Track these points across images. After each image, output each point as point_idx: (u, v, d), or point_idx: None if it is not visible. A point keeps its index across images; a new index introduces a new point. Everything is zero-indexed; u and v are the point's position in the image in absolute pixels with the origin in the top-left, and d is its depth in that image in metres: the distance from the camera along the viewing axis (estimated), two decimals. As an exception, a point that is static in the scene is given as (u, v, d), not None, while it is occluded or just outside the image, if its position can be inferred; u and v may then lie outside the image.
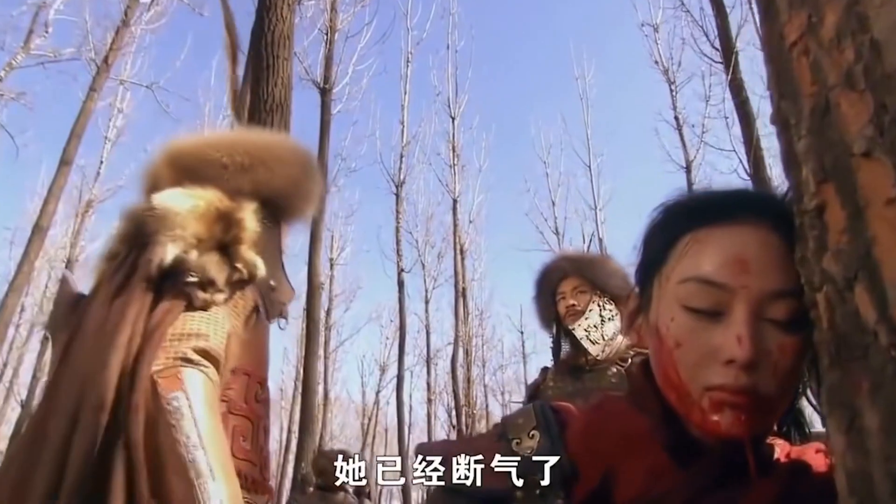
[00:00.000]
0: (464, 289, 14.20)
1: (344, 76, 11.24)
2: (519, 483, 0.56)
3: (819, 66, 0.47)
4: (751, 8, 8.90)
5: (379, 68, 14.63)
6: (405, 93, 14.41)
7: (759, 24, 0.58)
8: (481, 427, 15.74)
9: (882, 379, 0.38)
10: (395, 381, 14.19)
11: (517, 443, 0.59)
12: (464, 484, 0.58)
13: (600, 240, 13.45)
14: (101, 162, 13.71)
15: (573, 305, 1.91)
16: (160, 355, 0.94)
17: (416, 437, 19.72)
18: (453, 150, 14.49)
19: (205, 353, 0.98)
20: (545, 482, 0.55)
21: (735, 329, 0.49)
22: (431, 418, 15.50)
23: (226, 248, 1.07)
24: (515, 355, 19.21)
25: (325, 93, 10.03)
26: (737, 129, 8.31)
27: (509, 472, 0.57)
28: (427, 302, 15.23)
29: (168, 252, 1.02)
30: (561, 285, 1.97)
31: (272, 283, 1.19)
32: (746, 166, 7.66)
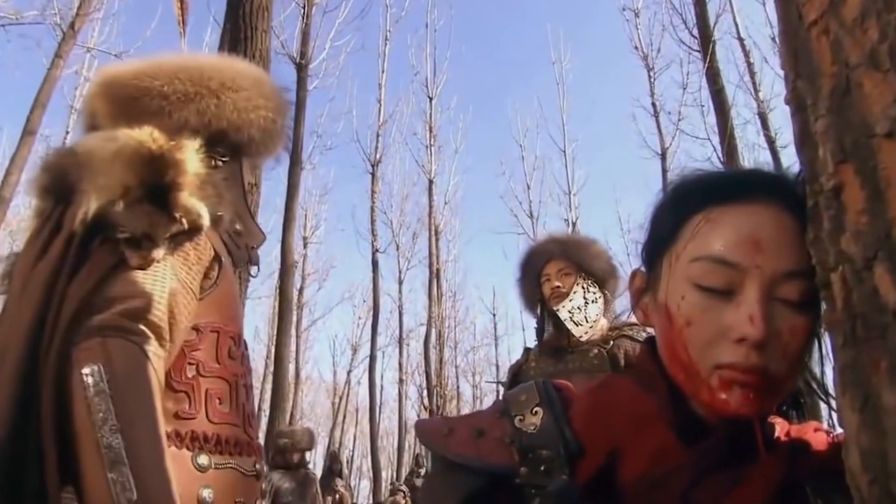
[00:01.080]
0: (438, 270, 14.21)
1: (321, 52, 11.04)
2: (523, 459, 0.56)
3: (840, 45, 0.47)
4: (729, -2, 8.97)
5: (357, 45, 14.40)
6: (383, 71, 14.26)
7: (776, 3, 0.58)
8: (452, 407, 15.89)
9: (901, 358, 0.38)
10: (366, 361, 14.21)
11: (520, 419, 0.59)
12: (467, 459, 0.58)
13: (574, 224, 13.56)
14: (67, 132, 13.27)
15: (558, 287, 1.92)
16: (83, 323, 0.84)
17: (387, 416, 19.85)
18: (430, 131, 14.40)
19: (138, 318, 0.86)
20: (550, 459, 0.55)
21: (747, 308, 0.49)
22: (402, 398, 15.59)
23: (163, 195, 0.93)
24: (487, 337, 19.40)
25: (301, 68, 9.83)
26: (712, 118, 8.42)
27: (513, 449, 0.57)
28: (401, 283, 15.24)
29: (91, 204, 0.89)
30: (546, 267, 1.98)
31: (237, 226, 1.09)
32: (720, 155, 7.76)
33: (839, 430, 0.57)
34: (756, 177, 0.55)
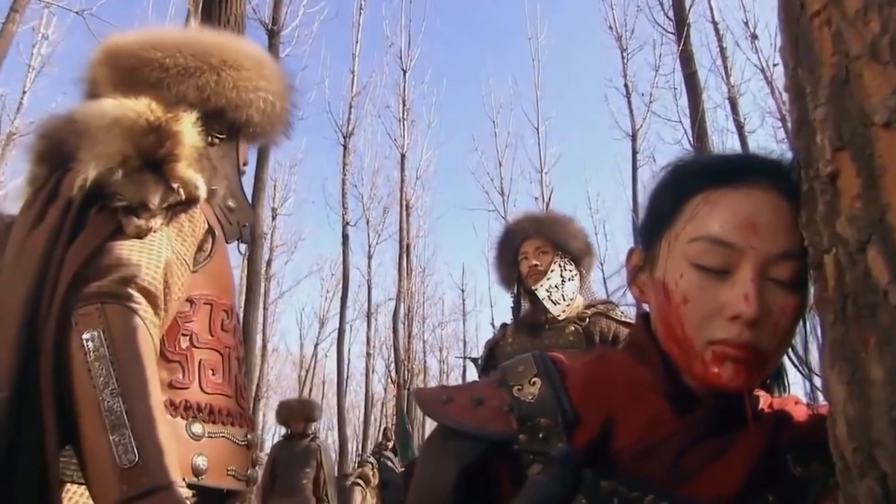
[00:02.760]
0: (408, 245, 14.20)
1: (294, 18, 10.79)
2: (521, 427, 0.58)
3: (841, 36, 0.49)
4: (705, -19, 9.03)
5: (331, 13, 14.10)
6: (357, 41, 13.97)
7: (777, -8, 0.59)
8: (419, 382, 16.03)
9: (890, 335, 0.41)
10: (333, 334, 14.19)
11: (518, 389, 0.61)
12: (466, 426, 0.59)
13: (545, 203, 13.66)
14: (24, 92, 12.74)
15: (536, 266, 1.95)
16: (81, 290, 0.84)
17: (353, 390, 19.90)
18: (403, 104, 14.25)
19: (135, 286, 0.87)
20: (549, 427, 0.57)
21: (742, 287, 0.52)
22: (370, 372, 15.65)
23: (160, 165, 0.94)
24: (455, 313, 19.54)
25: (272, 34, 9.57)
26: (684, 101, 8.53)
27: (511, 417, 0.59)
28: (370, 257, 15.18)
29: (90, 172, 0.90)
30: (524, 245, 2.00)
31: (230, 203, 1.10)
32: (691, 138, 7.89)
33: (819, 403, 0.61)
34: (754, 161, 0.57)
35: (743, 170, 0.55)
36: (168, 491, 0.78)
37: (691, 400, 0.57)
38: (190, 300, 0.98)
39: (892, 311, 0.41)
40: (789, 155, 0.58)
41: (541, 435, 0.57)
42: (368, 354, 15.43)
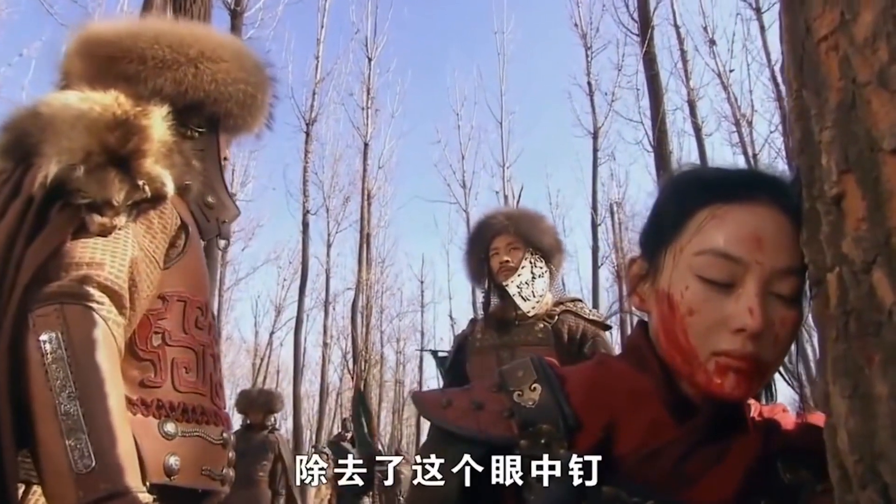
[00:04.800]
0: (368, 235, 14.10)
1: (256, 1, 10.51)
2: (523, 432, 0.59)
3: (849, 62, 0.51)
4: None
5: (296, -3, 13.79)
6: (322, 26, 13.73)
7: (781, 12, 0.61)
8: (375, 372, 15.99)
9: (894, 353, 0.43)
10: (290, 322, 14.01)
11: (519, 394, 0.61)
12: (467, 431, 0.60)
13: (506, 197, 13.76)
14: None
15: (507, 262, 1.96)
16: (40, 290, 0.82)
17: (308, 379, 19.72)
18: (368, 93, 14.10)
19: (96, 285, 0.85)
20: (550, 433, 0.58)
21: (747, 301, 0.53)
22: (326, 362, 15.52)
23: (126, 161, 0.91)
24: (413, 304, 19.53)
25: (235, 15, 9.33)
26: (645, 102, 8.70)
27: (512, 422, 0.60)
28: (329, 245, 15.02)
29: (51, 168, 0.86)
30: (495, 241, 2.01)
31: (209, 199, 1.08)
32: (651, 139, 8.06)
33: (806, 411, 0.63)
34: (758, 178, 0.59)
35: (748, 186, 0.57)
36: (125, 497, 0.76)
37: (689, 407, 0.58)
38: (162, 297, 0.96)
39: (897, 331, 0.43)
40: (786, 170, 0.60)
41: (542, 440, 0.58)
42: (325, 344, 15.30)
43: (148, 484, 0.85)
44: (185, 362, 0.96)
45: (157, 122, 0.95)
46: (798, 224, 0.54)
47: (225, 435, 1.01)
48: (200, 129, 1.07)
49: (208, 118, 1.08)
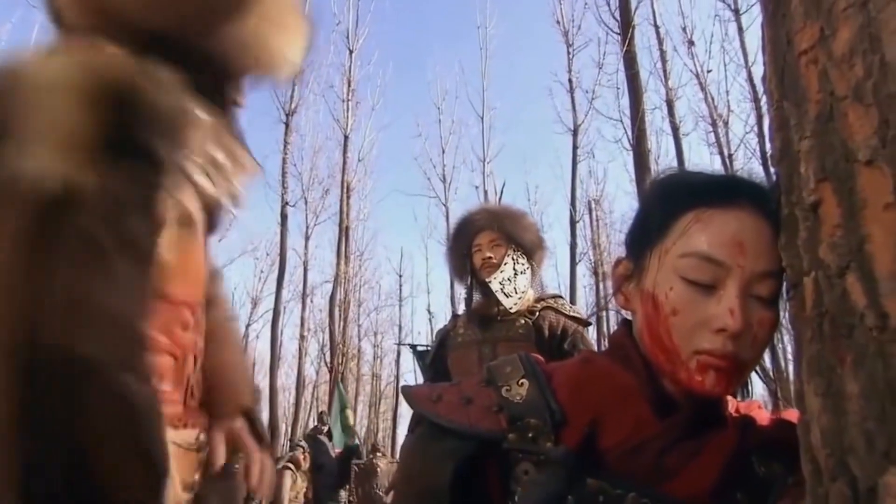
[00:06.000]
0: (347, 228, 14.05)
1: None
2: (511, 426, 0.61)
3: (827, 76, 0.53)
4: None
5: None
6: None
7: (764, 25, 0.63)
8: (353, 366, 15.96)
9: (865, 354, 0.45)
10: (266, 315, 13.91)
11: (507, 389, 0.63)
12: (457, 425, 0.61)
13: (486, 192, 13.81)
14: None
15: (489, 258, 1.98)
16: None
17: (284, 372, 19.60)
18: (348, 84, 14.01)
19: None
20: (537, 427, 0.60)
21: (728, 302, 0.56)
22: (302, 355, 15.44)
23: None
24: (392, 298, 19.52)
25: None
26: (625, 100, 8.79)
27: (500, 416, 0.61)
28: (307, 238, 14.93)
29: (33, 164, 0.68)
30: (478, 238, 2.03)
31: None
32: (630, 137, 8.15)
33: (779, 407, 0.66)
34: (742, 184, 0.62)
35: (731, 191, 0.59)
36: None
37: (670, 404, 0.61)
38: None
39: (868, 333, 0.45)
40: (765, 176, 0.62)
41: (530, 434, 0.60)
42: (302, 337, 15.22)
43: None
44: (162, 371, 0.90)
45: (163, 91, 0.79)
46: (777, 229, 0.57)
47: (201, 437, 0.98)
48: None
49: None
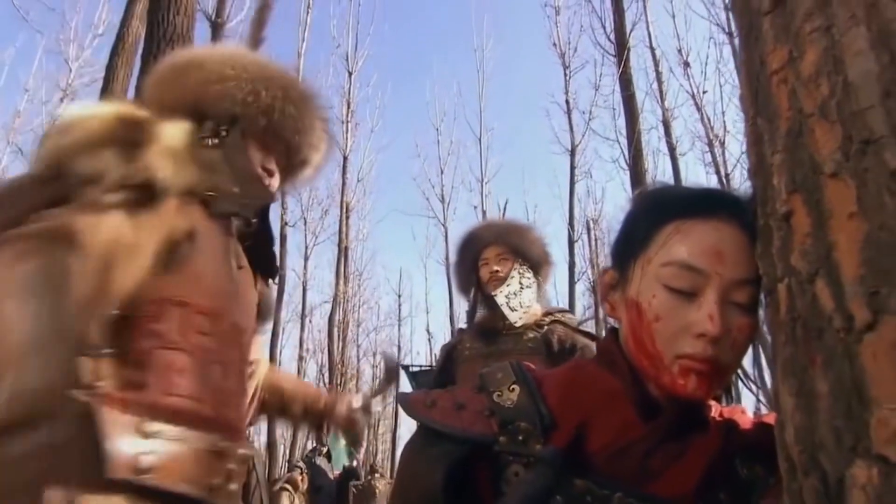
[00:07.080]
0: (346, 248, 14.08)
1: (239, 12, 10.52)
2: (502, 430, 0.63)
3: (796, 95, 0.57)
4: (644, 10, 9.46)
5: (278, 10, 13.82)
6: (303, 40, 13.78)
7: (739, 47, 0.67)
8: (352, 387, 15.87)
9: (833, 355, 0.48)
10: (266, 335, 13.86)
11: (498, 395, 0.66)
12: (451, 428, 0.64)
13: (484, 212, 13.87)
14: (-62, 67, 11.86)
15: (496, 272, 2.00)
16: None
17: (284, 393, 19.40)
18: (348, 106, 14.16)
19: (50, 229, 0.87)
20: (527, 430, 0.62)
21: (707, 308, 0.58)
22: (302, 376, 15.35)
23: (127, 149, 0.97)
24: (391, 318, 19.49)
25: (217, 27, 9.33)
26: (622, 121, 8.88)
27: (492, 420, 0.64)
28: (307, 258, 14.96)
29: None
30: (485, 252, 2.05)
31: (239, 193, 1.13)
32: (627, 157, 8.23)
33: (762, 413, 0.68)
34: (721, 197, 0.65)
35: (710, 203, 0.62)
36: None
37: (655, 407, 0.63)
38: (158, 301, 0.96)
39: (836, 335, 0.48)
40: (742, 191, 0.66)
41: (520, 437, 0.62)
42: (301, 357, 15.16)
43: (111, 477, 0.84)
44: (177, 367, 0.96)
45: (168, 127, 1.02)
46: (754, 239, 0.60)
47: (222, 444, 0.99)
48: (223, 130, 1.14)
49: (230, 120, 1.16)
